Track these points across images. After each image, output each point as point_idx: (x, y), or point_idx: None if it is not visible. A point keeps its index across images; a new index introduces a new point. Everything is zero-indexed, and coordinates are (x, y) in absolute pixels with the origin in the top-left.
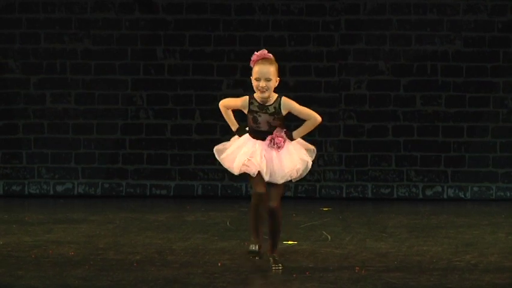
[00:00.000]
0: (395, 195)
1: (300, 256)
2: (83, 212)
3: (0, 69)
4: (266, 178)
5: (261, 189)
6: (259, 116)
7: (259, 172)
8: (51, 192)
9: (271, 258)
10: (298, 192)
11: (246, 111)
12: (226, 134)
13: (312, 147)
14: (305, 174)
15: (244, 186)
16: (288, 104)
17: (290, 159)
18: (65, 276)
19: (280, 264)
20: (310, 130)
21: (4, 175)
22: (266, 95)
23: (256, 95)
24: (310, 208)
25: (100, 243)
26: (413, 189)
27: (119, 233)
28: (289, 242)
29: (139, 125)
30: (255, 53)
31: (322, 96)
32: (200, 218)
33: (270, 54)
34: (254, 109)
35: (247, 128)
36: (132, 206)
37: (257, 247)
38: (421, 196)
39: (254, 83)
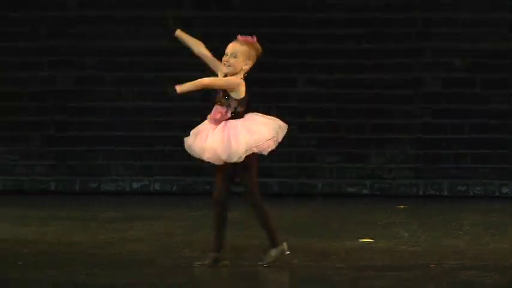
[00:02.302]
0: (471, 193)
1: (376, 254)
2: (159, 209)
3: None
4: (199, 156)
5: (214, 193)
6: (218, 92)
7: (219, 170)
8: (128, 189)
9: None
10: (374, 190)
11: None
12: None
13: (280, 123)
14: (247, 152)
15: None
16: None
17: (214, 138)
18: (139, 273)
19: (265, 263)
20: (196, 85)
21: (80, 172)
22: (227, 70)
23: None
24: (386, 206)
25: (175, 240)
26: (490, 187)
27: (191, 231)
28: (365, 240)
29: None
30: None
31: (399, 94)
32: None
33: (251, 39)
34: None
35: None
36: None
37: (209, 260)
38: (497, 194)
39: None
